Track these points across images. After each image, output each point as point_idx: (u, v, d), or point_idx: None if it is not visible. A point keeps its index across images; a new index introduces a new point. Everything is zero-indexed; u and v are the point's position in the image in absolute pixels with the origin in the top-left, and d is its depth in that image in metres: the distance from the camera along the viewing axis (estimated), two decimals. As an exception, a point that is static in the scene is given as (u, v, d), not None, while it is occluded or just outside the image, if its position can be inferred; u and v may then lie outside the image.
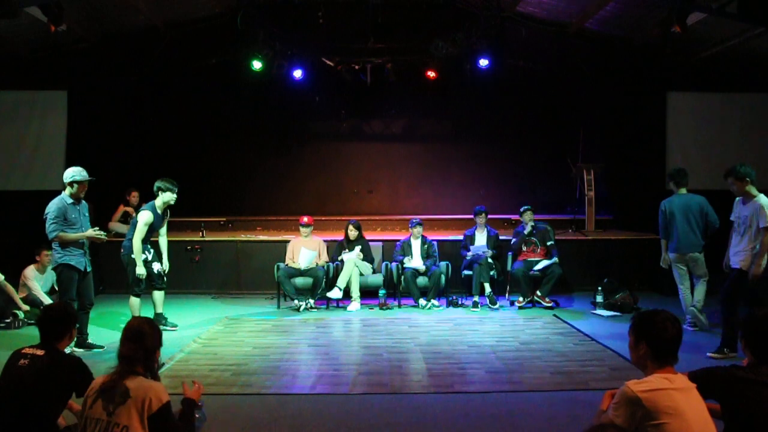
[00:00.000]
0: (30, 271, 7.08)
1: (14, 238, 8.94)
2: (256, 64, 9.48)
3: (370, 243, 8.13)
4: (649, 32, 9.53)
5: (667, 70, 10.29)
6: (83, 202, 5.64)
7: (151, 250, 6.29)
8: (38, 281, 7.10)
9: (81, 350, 5.47)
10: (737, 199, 5.55)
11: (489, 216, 8.07)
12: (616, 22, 9.61)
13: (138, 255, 6.02)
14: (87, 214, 5.69)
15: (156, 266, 6.27)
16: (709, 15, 7.84)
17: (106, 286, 8.58)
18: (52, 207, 5.42)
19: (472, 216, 8.15)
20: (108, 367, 2.62)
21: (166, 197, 6.20)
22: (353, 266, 7.62)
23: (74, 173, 5.50)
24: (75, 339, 4.03)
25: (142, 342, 2.60)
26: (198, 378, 4.71)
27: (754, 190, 5.37)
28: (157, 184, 6.22)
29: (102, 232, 5.68)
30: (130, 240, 6.06)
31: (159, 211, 6.22)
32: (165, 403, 2.49)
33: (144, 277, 6.09)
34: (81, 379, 2.98)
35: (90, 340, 5.73)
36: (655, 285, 8.41)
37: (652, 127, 10.44)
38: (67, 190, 5.51)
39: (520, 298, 7.57)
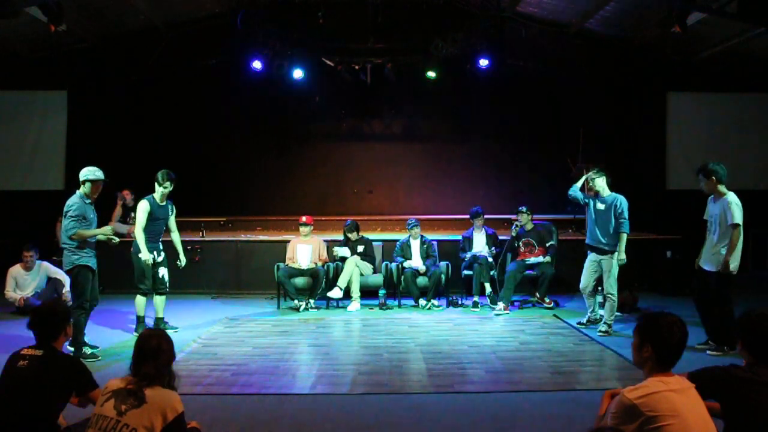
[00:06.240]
0: (16, 270, 7.27)
1: (14, 238, 8.95)
2: (256, 64, 9.49)
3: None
4: (649, 32, 9.54)
5: (667, 70, 10.29)
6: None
7: (162, 253, 6.24)
8: (25, 279, 7.28)
9: (72, 349, 5.39)
10: (710, 197, 5.60)
11: (489, 216, 8.04)
12: (616, 22, 9.62)
13: (141, 242, 5.97)
14: (95, 215, 5.62)
15: (162, 270, 6.21)
16: (709, 15, 7.85)
17: (106, 286, 8.56)
18: (75, 205, 5.30)
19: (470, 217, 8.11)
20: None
21: (159, 190, 6.15)
22: (354, 266, 7.62)
23: (87, 172, 5.40)
24: (71, 337, 3.97)
25: (159, 359, 2.62)
26: (198, 378, 4.73)
27: (723, 189, 5.44)
28: (157, 175, 6.19)
29: (116, 238, 5.62)
30: None
31: (159, 201, 6.17)
32: (180, 413, 2.53)
33: (150, 262, 6.02)
34: (80, 378, 2.99)
35: (85, 339, 5.60)
36: (655, 285, 8.41)
37: (652, 127, 10.44)
38: (81, 189, 5.41)
39: (501, 304, 7.16)
